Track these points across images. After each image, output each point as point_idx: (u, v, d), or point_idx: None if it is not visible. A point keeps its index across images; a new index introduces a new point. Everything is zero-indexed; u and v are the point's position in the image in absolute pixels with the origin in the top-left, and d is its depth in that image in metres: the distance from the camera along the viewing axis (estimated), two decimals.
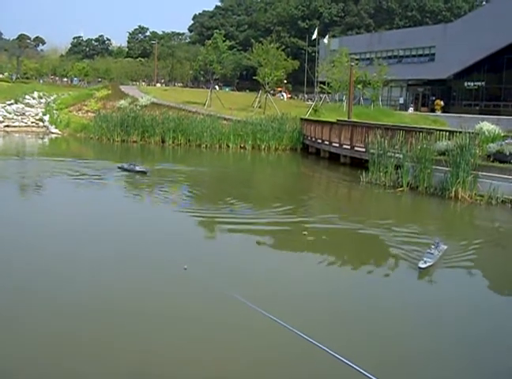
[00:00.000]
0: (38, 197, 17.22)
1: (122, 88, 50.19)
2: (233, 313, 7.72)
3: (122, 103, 40.07)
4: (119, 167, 21.60)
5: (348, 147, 25.50)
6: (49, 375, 6.22)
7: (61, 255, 10.43)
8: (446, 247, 11.02)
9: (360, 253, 11.78)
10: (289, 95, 69.56)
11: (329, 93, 50.73)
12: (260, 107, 43.16)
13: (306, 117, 36.57)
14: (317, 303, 8.52)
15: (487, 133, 19.95)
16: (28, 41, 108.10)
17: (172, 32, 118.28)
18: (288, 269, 10.29)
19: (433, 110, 53.80)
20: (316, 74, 58.87)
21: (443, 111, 52.54)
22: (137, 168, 20.69)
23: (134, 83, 77.39)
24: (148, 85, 70.17)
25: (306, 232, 12.19)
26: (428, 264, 10.01)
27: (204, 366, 6.44)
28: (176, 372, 6.33)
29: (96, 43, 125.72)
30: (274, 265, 10.53)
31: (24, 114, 42.54)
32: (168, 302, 8.28)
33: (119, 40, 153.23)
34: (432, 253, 10.33)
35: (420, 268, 9.94)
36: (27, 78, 74.62)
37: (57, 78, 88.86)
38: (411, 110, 53.04)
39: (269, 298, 8.37)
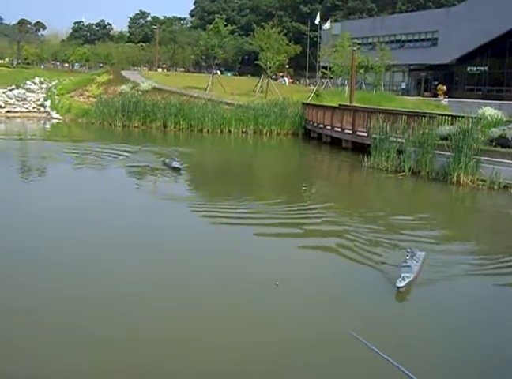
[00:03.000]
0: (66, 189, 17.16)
1: (124, 73, 49.96)
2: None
3: (124, 88, 39.94)
4: (163, 161, 19.57)
5: (350, 131, 25.45)
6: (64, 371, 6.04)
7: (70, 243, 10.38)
8: (424, 254, 9.34)
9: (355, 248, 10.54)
10: (291, 80, 69.25)
11: (331, 78, 50.50)
12: (262, 92, 42.99)
13: (308, 101, 36.45)
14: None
15: (489, 118, 19.89)
16: (29, 26, 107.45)
17: (173, 17, 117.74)
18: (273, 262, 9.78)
19: (435, 95, 53.58)
20: (318, 59, 58.63)
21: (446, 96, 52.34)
22: (174, 164, 18.37)
23: (135, 68, 77.10)
24: (150, 70, 69.85)
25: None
26: (407, 280, 8.09)
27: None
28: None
29: (96, 28, 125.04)
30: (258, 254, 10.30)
31: (25, 99, 42.39)
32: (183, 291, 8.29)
33: (120, 25, 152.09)
34: (409, 266, 8.48)
35: (399, 287, 7.99)
36: (27, 63, 74.37)
37: (58, 63, 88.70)
38: (445, 101, 44.26)
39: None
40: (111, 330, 6.86)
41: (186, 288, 8.28)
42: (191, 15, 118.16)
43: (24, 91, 44.14)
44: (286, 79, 64.91)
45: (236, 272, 9.05)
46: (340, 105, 28.88)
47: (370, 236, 11.19)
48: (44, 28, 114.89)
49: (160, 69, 70.44)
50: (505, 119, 20.23)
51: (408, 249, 9.09)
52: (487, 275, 9.45)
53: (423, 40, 60.93)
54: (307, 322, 7.30)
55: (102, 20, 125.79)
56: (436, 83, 57.43)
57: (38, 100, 42.38)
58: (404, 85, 61.66)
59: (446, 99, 43.04)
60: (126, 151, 22.82)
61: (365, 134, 23.52)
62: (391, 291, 8.14)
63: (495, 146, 17.91)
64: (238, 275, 8.88)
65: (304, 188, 17.68)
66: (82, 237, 10.61)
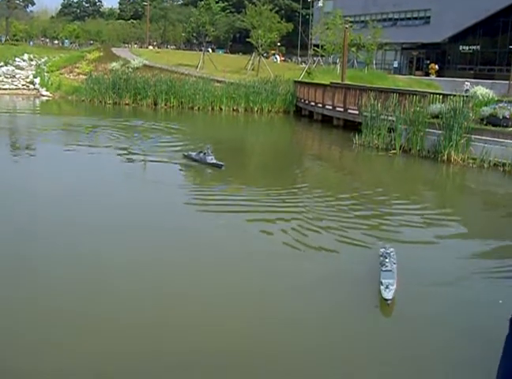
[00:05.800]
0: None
1: (114, 50, 49.57)
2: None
3: (114, 65, 39.60)
4: (185, 155, 16.68)
5: (342, 109, 25.40)
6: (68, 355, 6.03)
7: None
8: (393, 250, 8.27)
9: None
10: (283, 58, 68.85)
11: (323, 56, 50.27)
12: (253, 70, 42.74)
13: (300, 79, 36.29)
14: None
15: (481, 96, 19.93)
16: (17, 2, 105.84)
17: None
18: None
19: (427, 74, 53.49)
20: (310, 37, 58.27)
21: (438, 75, 52.25)
22: (209, 159, 15.50)
23: (126, 45, 76.42)
24: (141, 47, 69.24)
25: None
26: (392, 288, 7.05)
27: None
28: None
29: (86, 5, 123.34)
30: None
31: (14, 76, 41.92)
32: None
33: (111, 2, 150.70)
34: (390, 270, 7.51)
35: (387, 299, 6.92)
36: (16, 40, 73.55)
37: (47, 40, 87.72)
38: (468, 85, 34.16)
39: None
40: (96, 312, 6.72)
41: (169, 268, 8.26)
42: None
43: (13, 68, 43.62)
44: (278, 57, 64.53)
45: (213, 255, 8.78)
46: (331, 83, 28.76)
47: (355, 219, 11.09)
48: (33, 3, 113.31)
49: (150, 47, 69.80)
50: (496, 98, 20.29)
51: (382, 249, 8.17)
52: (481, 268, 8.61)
53: (415, 19, 60.65)
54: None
55: None
56: (428, 62, 57.30)
57: (27, 77, 41.91)
58: (396, 64, 61.47)
59: (468, 83, 35.88)
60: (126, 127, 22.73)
61: (356, 112, 23.49)
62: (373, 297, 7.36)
63: (485, 125, 17.94)
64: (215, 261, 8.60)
65: (293, 166, 17.62)
66: (72, 216, 10.59)
